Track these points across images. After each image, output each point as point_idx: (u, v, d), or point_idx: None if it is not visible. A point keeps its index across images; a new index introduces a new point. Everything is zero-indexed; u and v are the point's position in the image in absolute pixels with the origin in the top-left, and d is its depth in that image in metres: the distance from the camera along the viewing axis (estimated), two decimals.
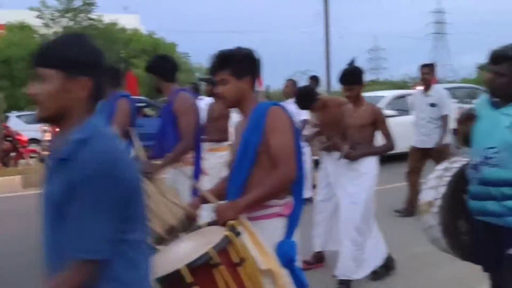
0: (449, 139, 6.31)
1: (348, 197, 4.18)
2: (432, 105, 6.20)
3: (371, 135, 4.31)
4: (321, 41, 28.83)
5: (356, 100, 4.29)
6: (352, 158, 4.22)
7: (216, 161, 5.17)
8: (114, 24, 29.33)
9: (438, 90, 6.33)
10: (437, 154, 6.07)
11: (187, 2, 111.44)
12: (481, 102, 2.79)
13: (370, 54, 70.86)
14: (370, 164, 4.25)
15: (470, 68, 61.97)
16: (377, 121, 4.26)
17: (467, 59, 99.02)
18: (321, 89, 18.63)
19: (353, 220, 4.10)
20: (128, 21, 33.46)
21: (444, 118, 6.21)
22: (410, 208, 6.34)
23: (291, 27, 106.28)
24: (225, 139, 5.51)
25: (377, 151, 4.37)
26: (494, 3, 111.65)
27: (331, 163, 4.69)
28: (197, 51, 74.96)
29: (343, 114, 4.44)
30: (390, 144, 4.31)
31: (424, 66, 6.42)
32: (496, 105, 2.65)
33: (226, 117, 5.58)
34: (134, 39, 28.23)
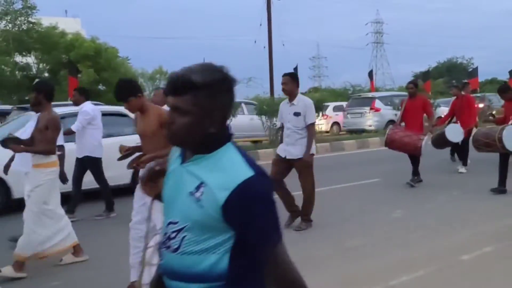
0: (314, 149, 6.16)
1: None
2: (296, 114, 6.02)
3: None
4: (265, 48, 29.34)
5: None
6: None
7: None
8: (54, 28, 28.61)
9: (302, 99, 6.14)
10: (301, 164, 6.02)
11: (131, 6, 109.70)
12: (174, 149, 1.75)
13: (313, 62, 72.51)
14: None
15: (407, 76, 64.43)
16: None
17: (404, 68, 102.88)
18: (265, 95, 19.07)
19: None
20: (68, 25, 32.73)
21: (309, 128, 6.03)
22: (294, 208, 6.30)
23: (235, 34, 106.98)
24: None
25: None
26: (429, 14, 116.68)
27: None
28: (141, 56, 74.29)
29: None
30: None
31: (284, 75, 6.21)
32: (183, 156, 1.67)
33: None
34: (77, 45, 27.63)
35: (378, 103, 19.43)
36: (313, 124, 6.10)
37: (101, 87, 29.47)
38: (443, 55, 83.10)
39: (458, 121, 9.72)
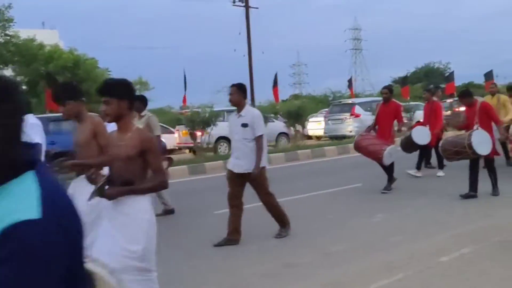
0: (265, 161, 5.92)
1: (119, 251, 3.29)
2: (244, 125, 5.79)
3: (141, 169, 3.43)
4: (244, 56, 29.48)
5: (120, 121, 3.45)
6: (109, 196, 3.40)
7: None
8: (32, 40, 28.42)
9: (250, 111, 5.94)
10: (252, 178, 5.79)
11: (110, 17, 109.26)
12: None
13: (293, 69, 73.00)
14: (141, 204, 3.41)
15: (386, 82, 65.17)
16: (147, 151, 3.38)
17: (383, 73, 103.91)
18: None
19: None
20: (46, 37, 32.52)
21: (258, 140, 5.76)
22: (232, 237, 5.97)
23: (215, 43, 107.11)
24: None
25: (143, 188, 3.42)
26: (406, 20, 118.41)
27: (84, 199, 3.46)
28: (121, 67, 73.61)
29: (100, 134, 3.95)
30: (161, 180, 3.46)
31: (231, 86, 6.01)
32: None
33: None
34: (55, 56, 27.47)
35: (358, 109, 19.65)
36: (261, 136, 5.79)
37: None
38: (421, 60, 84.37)
39: (428, 125, 9.80)
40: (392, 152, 8.40)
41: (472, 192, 7.52)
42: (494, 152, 7.64)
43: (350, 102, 21.04)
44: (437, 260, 4.82)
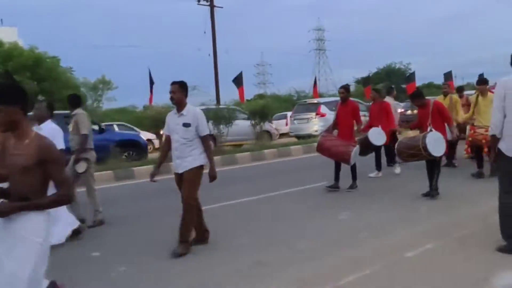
0: (204, 159, 5.71)
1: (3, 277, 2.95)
2: (186, 125, 5.60)
3: (41, 181, 3.09)
4: (209, 56, 29.40)
5: (15, 129, 3.06)
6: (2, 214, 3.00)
7: None
8: None
9: (192, 110, 5.71)
10: (190, 175, 5.59)
11: (71, 15, 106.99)
12: None
13: (257, 69, 73.24)
14: (35, 224, 3.06)
15: (349, 82, 66.09)
16: (46, 161, 3.02)
17: (347, 73, 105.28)
18: (211, 103, 19.12)
19: None
20: (5, 34, 31.60)
21: (205, 140, 5.65)
22: (200, 237, 5.96)
23: (179, 42, 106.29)
24: None
25: (40, 204, 3.07)
26: (368, 21, 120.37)
27: None
28: (85, 66, 72.43)
29: None
30: (63, 194, 3.11)
31: (173, 83, 5.77)
32: None
33: None
34: (15, 54, 26.69)
35: (323, 109, 19.88)
36: (207, 136, 5.68)
37: (41, 97, 28.56)
38: (383, 61, 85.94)
39: (379, 126, 9.75)
40: (357, 152, 8.55)
41: (433, 192, 7.67)
42: (447, 152, 7.80)
43: (315, 101, 21.28)
44: (402, 255, 4.96)
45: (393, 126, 10.10)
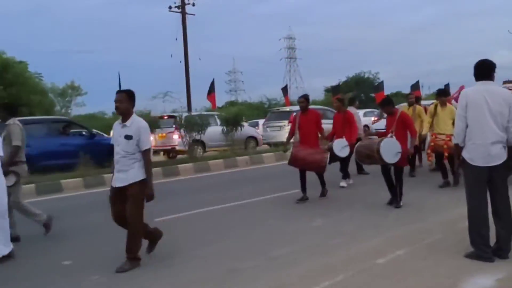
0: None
1: None
2: (128, 137, 5.30)
3: None
4: (181, 63, 29.35)
5: None
6: None
7: None
8: None
9: (137, 121, 5.37)
10: (132, 191, 5.28)
11: (40, 20, 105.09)
12: None
13: (229, 76, 73.34)
14: None
15: (320, 90, 66.83)
16: None
17: (317, 82, 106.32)
18: (183, 110, 19.06)
19: None
20: None
21: (145, 154, 5.32)
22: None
23: (151, 48, 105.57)
24: None
25: None
26: (338, 30, 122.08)
27: None
28: (54, 71, 71.34)
29: None
30: None
31: (118, 92, 5.47)
32: None
33: None
34: None
35: None
36: (148, 150, 5.33)
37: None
38: (352, 70, 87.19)
39: (343, 136, 9.53)
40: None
41: (394, 197, 7.79)
42: (404, 162, 7.76)
43: (288, 110, 21.41)
44: (374, 261, 5.04)
45: (354, 138, 9.80)
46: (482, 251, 4.84)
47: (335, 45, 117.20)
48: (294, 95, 57.02)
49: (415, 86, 24.27)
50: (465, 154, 4.99)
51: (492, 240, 4.94)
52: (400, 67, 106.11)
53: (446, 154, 9.00)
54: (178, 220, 7.77)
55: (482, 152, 4.85)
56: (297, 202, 8.54)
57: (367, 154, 7.73)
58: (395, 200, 7.75)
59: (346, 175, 10.13)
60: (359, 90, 55.71)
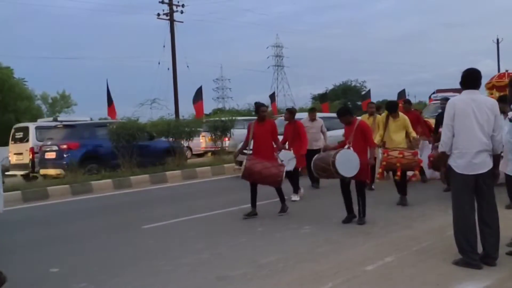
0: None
1: None
2: None
3: None
4: (169, 70, 29.30)
5: None
6: None
7: None
8: None
9: None
10: None
11: (28, 25, 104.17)
12: None
13: (216, 83, 73.38)
14: None
15: (307, 98, 67.09)
16: None
17: (304, 90, 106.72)
18: (170, 116, 19.00)
19: None
20: None
21: None
22: None
23: (139, 55, 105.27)
24: None
25: None
26: (325, 39, 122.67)
27: None
28: (43, 78, 70.45)
29: None
30: None
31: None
32: None
33: None
34: None
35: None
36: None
37: None
38: (339, 78, 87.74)
39: (291, 148, 9.24)
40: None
41: (350, 214, 7.32)
42: (365, 175, 7.24)
43: (275, 117, 21.43)
44: (363, 268, 5.05)
45: (304, 150, 9.59)
46: (470, 258, 4.88)
47: (323, 54, 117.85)
48: (281, 102, 57.28)
49: (402, 94, 24.53)
50: (451, 162, 5.05)
51: (479, 247, 4.99)
52: (386, 76, 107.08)
53: (398, 173, 8.25)
54: (166, 228, 7.74)
55: (468, 160, 4.91)
56: (244, 217, 8.00)
57: (322, 167, 7.17)
58: (350, 218, 7.29)
59: (296, 188, 9.57)
60: (346, 98, 56.10)
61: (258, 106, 8.30)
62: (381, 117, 9.10)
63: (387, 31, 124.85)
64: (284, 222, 7.61)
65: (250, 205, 8.20)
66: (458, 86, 5.26)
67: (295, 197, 9.47)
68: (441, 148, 5.17)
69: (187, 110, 63.81)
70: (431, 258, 5.30)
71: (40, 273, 5.59)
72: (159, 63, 31.70)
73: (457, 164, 4.99)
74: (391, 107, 8.77)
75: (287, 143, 9.42)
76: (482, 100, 5.01)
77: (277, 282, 4.82)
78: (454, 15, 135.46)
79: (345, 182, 7.34)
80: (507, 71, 15.39)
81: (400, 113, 8.78)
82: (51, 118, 19.21)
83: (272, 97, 29.15)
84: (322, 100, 31.21)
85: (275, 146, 8.26)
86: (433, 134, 10.17)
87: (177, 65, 29.43)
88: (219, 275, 5.10)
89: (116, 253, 6.32)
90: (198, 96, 21.51)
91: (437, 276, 4.73)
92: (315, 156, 7.58)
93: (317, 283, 4.68)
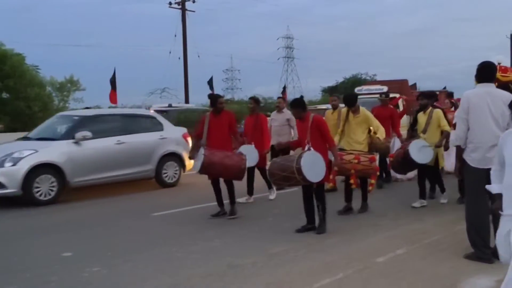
0: None
1: None
2: None
3: None
4: (180, 59, 29.33)
5: None
6: None
7: None
8: None
9: None
10: None
11: (39, 12, 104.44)
12: None
13: (226, 74, 73.25)
14: None
15: (316, 91, 66.90)
16: None
17: (314, 82, 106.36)
18: (180, 104, 19.01)
19: None
20: None
21: None
22: None
23: (150, 44, 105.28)
24: None
25: None
26: (336, 32, 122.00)
27: None
28: (52, 64, 70.37)
29: None
30: None
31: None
32: None
33: None
34: None
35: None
36: None
37: (5, 95, 27.96)
38: (349, 71, 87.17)
39: (252, 142, 8.16)
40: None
41: (309, 225, 6.45)
42: (327, 178, 6.42)
43: (324, 107, 20.95)
44: (374, 260, 5.07)
45: (266, 147, 8.67)
46: (482, 252, 4.88)
47: (333, 46, 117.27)
48: (290, 94, 57.09)
49: (413, 88, 24.34)
50: (465, 156, 5.03)
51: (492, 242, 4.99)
52: (395, 70, 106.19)
53: (352, 181, 7.16)
54: (177, 215, 7.79)
55: (482, 154, 4.90)
56: (211, 217, 7.42)
57: (283, 176, 6.13)
58: (308, 227, 6.44)
59: (271, 185, 8.66)
60: None
61: (216, 97, 7.51)
62: (343, 112, 7.66)
63: (398, 24, 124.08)
64: (293, 213, 7.61)
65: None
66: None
67: (272, 195, 8.82)
68: (456, 142, 5.15)
69: (197, 99, 63.76)
70: (442, 251, 5.31)
71: (53, 257, 5.65)
72: (170, 52, 31.59)
73: (472, 158, 4.98)
74: (349, 101, 7.41)
75: (245, 138, 8.16)
76: (498, 94, 4.98)
77: (288, 271, 4.85)
78: (465, 10, 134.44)
79: (310, 188, 6.38)
80: None
81: (362, 108, 7.45)
82: (166, 104, 18.48)
83: (284, 88, 29.08)
84: (331, 92, 31.13)
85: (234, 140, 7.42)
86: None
87: (188, 54, 29.46)
88: (230, 263, 5.14)
89: (129, 238, 6.38)
90: (210, 86, 21.59)
91: (449, 269, 4.74)
92: (270, 164, 6.56)
93: (328, 273, 4.70)
